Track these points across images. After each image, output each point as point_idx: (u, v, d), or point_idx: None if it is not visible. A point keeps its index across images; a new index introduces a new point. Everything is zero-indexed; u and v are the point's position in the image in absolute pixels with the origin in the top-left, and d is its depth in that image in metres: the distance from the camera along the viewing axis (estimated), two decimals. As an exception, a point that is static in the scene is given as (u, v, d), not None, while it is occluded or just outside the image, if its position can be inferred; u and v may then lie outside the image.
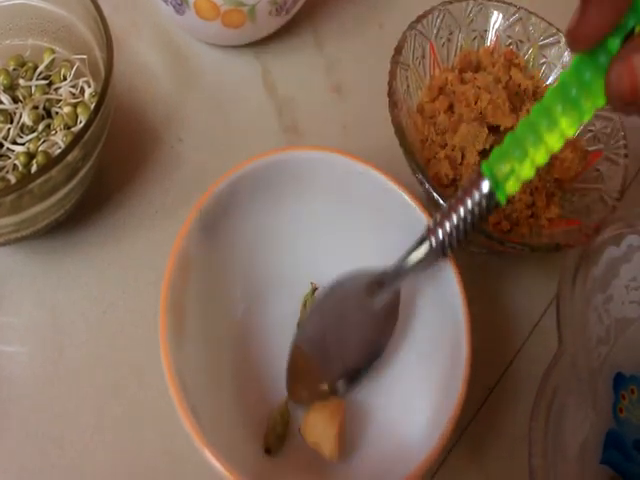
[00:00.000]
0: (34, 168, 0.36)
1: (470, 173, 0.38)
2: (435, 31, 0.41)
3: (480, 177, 0.27)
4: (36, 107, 0.38)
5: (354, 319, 0.35)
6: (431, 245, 0.30)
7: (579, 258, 0.35)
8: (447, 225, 0.29)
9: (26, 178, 0.30)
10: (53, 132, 0.37)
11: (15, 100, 0.38)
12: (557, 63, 0.42)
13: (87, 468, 0.34)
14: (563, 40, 0.41)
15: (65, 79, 0.39)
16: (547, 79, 0.42)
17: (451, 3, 0.41)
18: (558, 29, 0.42)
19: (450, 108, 0.40)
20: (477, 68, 0.42)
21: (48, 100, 0.38)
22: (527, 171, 0.26)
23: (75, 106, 0.38)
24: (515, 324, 0.41)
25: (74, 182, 0.33)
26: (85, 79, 0.39)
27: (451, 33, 0.42)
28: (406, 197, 0.34)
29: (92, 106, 0.32)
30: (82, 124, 0.37)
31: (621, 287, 0.36)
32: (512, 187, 0.27)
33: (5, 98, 0.37)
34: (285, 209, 0.36)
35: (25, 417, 0.34)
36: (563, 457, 0.31)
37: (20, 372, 0.35)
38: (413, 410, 0.32)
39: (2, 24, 0.39)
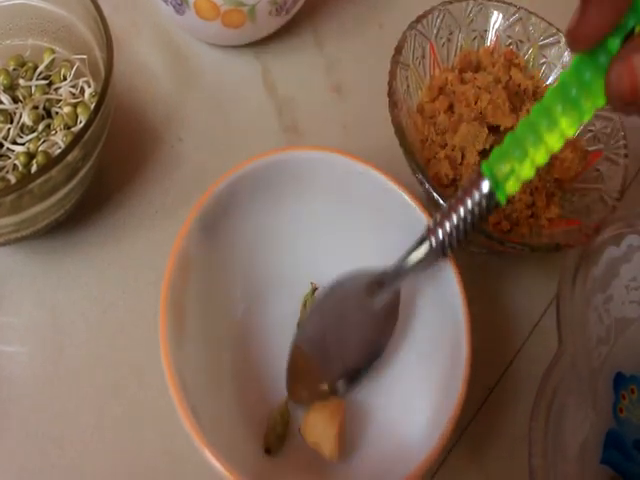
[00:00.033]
0: (34, 168, 0.36)
1: (470, 173, 0.38)
2: (435, 31, 0.41)
3: (480, 177, 0.27)
4: (36, 107, 0.38)
5: (354, 319, 0.35)
6: (431, 245, 0.30)
7: (579, 258, 0.35)
8: (447, 225, 0.29)
9: (26, 178, 0.30)
10: (53, 132, 0.37)
11: (15, 100, 0.38)
12: (557, 63, 0.42)
13: (87, 468, 0.34)
14: (563, 40, 0.41)
15: (65, 79, 0.39)
16: (547, 79, 0.42)
17: (451, 3, 0.41)
18: (558, 29, 0.42)
19: (450, 108, 0.40)
20: (477, 68, 0.42)
21: (48, 100, 0.38)
22: (527, 171, 0.26)
23: (75, 106, 0.38)
24: (515, 324, 0.41)
25: (74, 182, 0.33)
26: (85, 79, 0.39)
27: (451, 33, 0.42)
28: (406, 197, 0.34)
29: (92, 106, 0.32)
30: (82, 124, 0.37)
31: (621, 287, 0.36)
32: (512, 187, 0.27)
33: (5, 98, 0.38)
34: (285, 209, 0.36)
35: (25, 417, 0.34)
36: (563, 457, 0.31)
37: (20, 372, 0.35)
38: (413, 410, 0.33)
39: (2, 24, 0.39)
